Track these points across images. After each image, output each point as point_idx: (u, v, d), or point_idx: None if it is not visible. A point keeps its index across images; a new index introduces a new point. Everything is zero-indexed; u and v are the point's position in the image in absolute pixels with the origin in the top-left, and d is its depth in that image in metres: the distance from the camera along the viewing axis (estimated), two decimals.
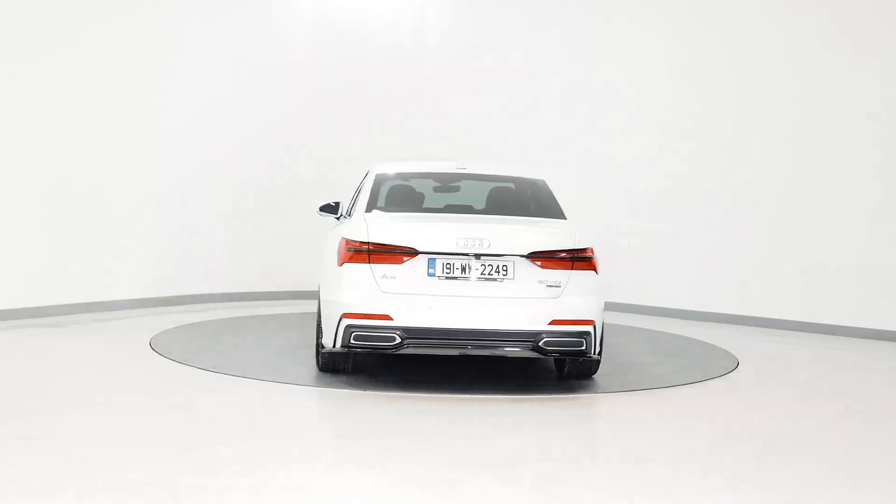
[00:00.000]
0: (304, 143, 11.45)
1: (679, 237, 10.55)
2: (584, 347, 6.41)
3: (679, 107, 10.62)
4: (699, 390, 7.00)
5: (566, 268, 6.41)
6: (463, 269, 6.36)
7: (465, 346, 6.42)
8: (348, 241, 6.45)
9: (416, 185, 7.55)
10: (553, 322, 6.33)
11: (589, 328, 6.42)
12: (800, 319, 9.89)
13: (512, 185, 7.52)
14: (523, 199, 7.34)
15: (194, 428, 5.58)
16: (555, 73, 11.33)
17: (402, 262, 6.34)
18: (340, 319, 6.35)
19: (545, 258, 6.37)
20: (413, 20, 12.10)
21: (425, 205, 7.29)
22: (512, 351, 6.45)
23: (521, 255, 6.36)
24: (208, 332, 8.78)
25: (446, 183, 7.68)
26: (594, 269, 6.53)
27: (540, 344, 6.31)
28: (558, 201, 7.21)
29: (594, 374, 7.01)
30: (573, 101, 11.23)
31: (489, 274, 6.36)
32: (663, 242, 10.66)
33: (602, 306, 6.62)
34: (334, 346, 6.41)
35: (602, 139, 11.06)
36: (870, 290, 9.52)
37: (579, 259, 6.45)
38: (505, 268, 6.36)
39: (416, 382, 6.83)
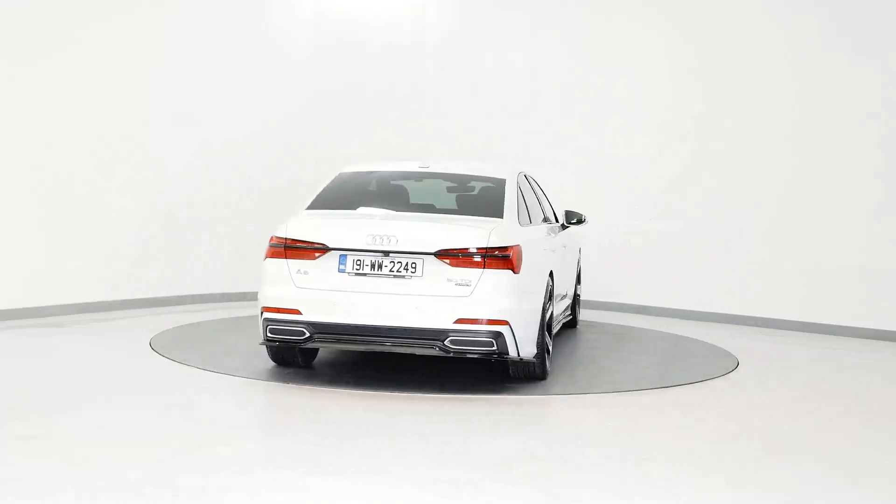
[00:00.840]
0: (304, 143, 11.45)
1: (679, 237, 10.55)
2: (494, 348, 6.27)
3: (679, 107, 10.62)
4: (699, 390, 7.00)
5: (477, 266, 6.29)
6: (372, 266, 6.39)
7: (371, 343, 6.42)
8: (271, 238, 6.62)
9: (376, 184, 7.50)
10: (459, 321, 6.23)
11: (502, 328, 6.25)
12: (800, 319, 9.89)
13: (469, 184, 7.49)
14: (472, 198, 7.30)
15: (194, 428, 5.58)
16: (555, 73, 11.33)
17: (314, 257, 6.44)
18: (261, 313, 6.54)
19: (454, 256, 6.29)
20: (413, 20, 12.10)
21: (373, 204, 7.18)
22: (420, 350, 6.37)
23: (430, 253, 6.30)
24: (208, 332, 8.78)
25: (412, 182, 7.61)
26: (511, 268, 6.33)
27: (446, 343, 6.25)
28: (513, 200, 7.01)
29: (542, 378, 6.82)
30: (573, 101, 11.22)
31: (398, 271, 6.35)
32: (663, 242, 10.66)
33: (528, 307, 6.48)
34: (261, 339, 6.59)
35: (602, 139, 11.06)
36: (870, 290, 9.52)
37: (492, 258, 6.29)
38: (414, 265, 6.33)
39: (416, 382, 6.83)
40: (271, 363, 7.27)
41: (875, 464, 5.29)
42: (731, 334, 9.58)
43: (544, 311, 6.79)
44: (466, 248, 6.31)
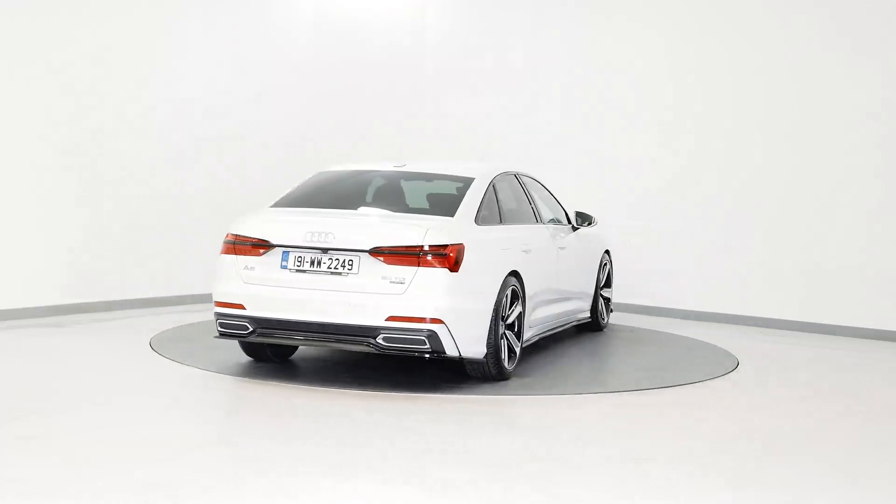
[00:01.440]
0: (305, 142, 11.45)
1: (679, 237, 10.55)
2: (427, 346, 6.26)
3: (679, 107, 10.62)
4: (699, 390, 7.00)
5: (412, 264, 6.27)
6: (312, 263, 6.46)
7: (308, 339, 6.49)
8: (226, 234, 6.77)
9: (345, 183, 7.52)
10: (390, 318, 6.24)
11: (435, 327, 6.22)
12: (800, 319, 9.88)
13: (436, 183, 7.49)
14: (436, 197, 7.30)
15: (194, 428, 5.58)
16: (555, 73, 11.33)
17: (260, 254, 6.57)
18: (215, 308, 6.71)
19: (388, 254, 6.31)
20: (413, 20, 12.10)
21: (335, 202, 7.16)
22: (353, 346, 6.42)
23: (364, 251, 6.34)
24: (208, 332, 8.76)
25: (377, 181, 7.59)
26: (449, 267, 6.29)
27: (378, 340, 6.27)
28: (474, 199, 6.97)
29: (501, 379, 6.77)
30: (573, 101, 11.22)
31: (335, 268, 6.40)
32: (663, 242, 10.65)
33: (471, 306, 6.43)
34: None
35: (602, 139, 11.06)
36: (870, 290, 9.52)
37: (427, 256, 6.28)
38: (350, 262, 6.37)
39: (415, 382, 6.83)
40: (270, 364, 7.28)
41: (875, 464, 5.29)
42: (731, 334, 9.58)
43: (499, 311, 6.65)
44: (400, 246, 6.31)
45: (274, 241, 6.55)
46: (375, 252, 6.32)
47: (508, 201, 7.68)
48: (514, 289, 6.92)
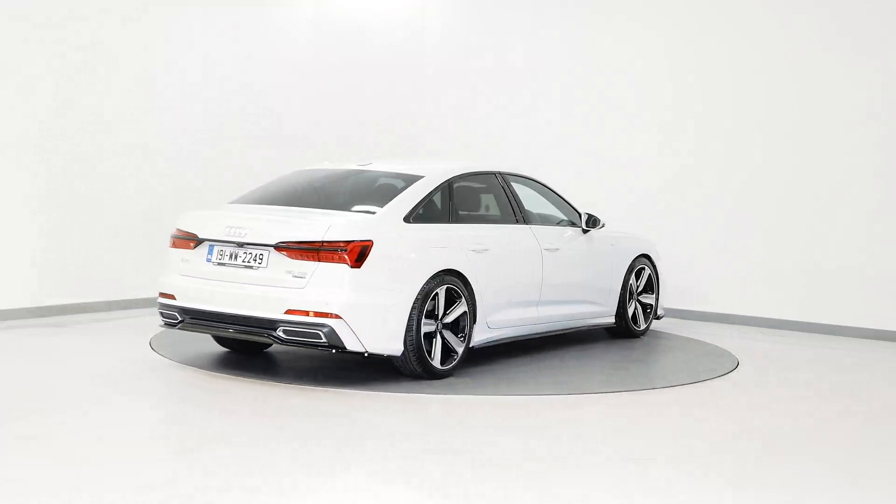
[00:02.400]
0: (305, 142, 11.45)
1: (679, 237, 10.55)
2: (323, 340, 6.35)
3: (679, 107, 10.62)
4: (699, 390, 7.00)
5: (313, 259, 6.40)
6: (231, 257, 6.72)
7: (220, 330, 6.81)
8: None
9: (305, 181, 7.63)
10: (288, 311, 6.37)
11: (332, 322, 6.30)
12: (800, 319, 9.88)
13: (383, 181, 7.53)
14: (374, 194, 7.33)
15: (194, 428, 5.58)
16: (555, 73, 11.33)
17: (191, 247, 6.92)
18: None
19: (292, 249, 6.44)
20: (413, 20, 12.10)
21: (287, 199, 7.30)
22: (258, 338, 6.65)
23: (271, 245, 6.52)
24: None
25: (332, 179, 7.67)
26: (350, 263, 6.35)
27: (277, 332, 6.43)
28: (409, 197, 7.01)
29: (433, 377, 6.78)
30: (573, 101, 11.22)
31: (248, 262, 6.63)
32: (663, 242, 10.65)
33: (378, 302, 6.46)
34: None
35: (602, 139, 11.05)
36: (870, 290, 9.52)
37: (328, 251, 6.36)
38: (261, 256, 6.58)
39: (415, 382, 6.83)
40: (271, 364, 7.29)
41: (875, 464, 5.29)
42: (731, 334, 9.58)
43: (422, 309, 6.62)
44: (302, 241, 6.44)
45: (201, 236, 6.86)
46: (280, 247, 6.47)
47: (472, 201, 7.74)
48: (451, 288, 6.88)
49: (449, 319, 6.88)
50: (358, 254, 6.39)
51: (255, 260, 6.57)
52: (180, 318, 6.90)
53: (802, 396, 7.05)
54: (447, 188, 7.32)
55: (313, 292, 6.35)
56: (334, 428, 5.62)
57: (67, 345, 8.05)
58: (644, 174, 10.80)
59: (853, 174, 9.61)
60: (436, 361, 6.80)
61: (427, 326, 6.72)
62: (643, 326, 9.20)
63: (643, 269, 9.14)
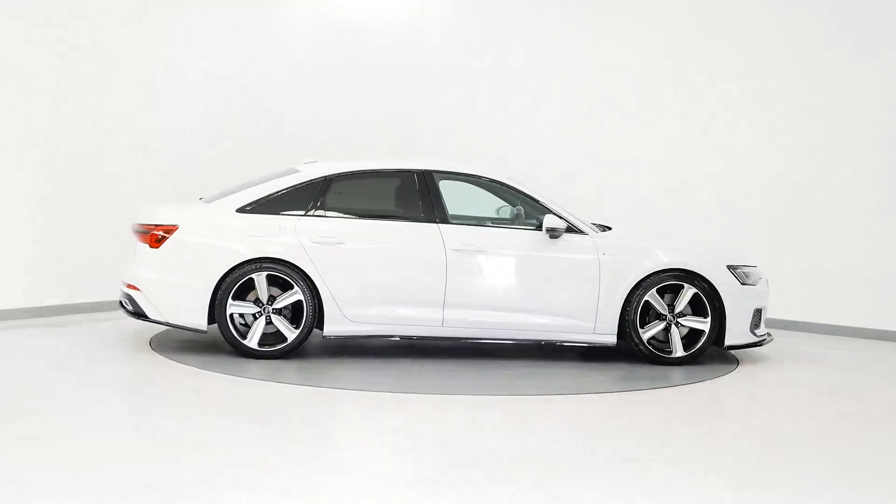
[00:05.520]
0: (304, 142, 11.44)
1: (679, 237, 10.53)
2: (130, 307, 7.60)
3: (679, 107, 10.61)
4: (699, 390, 7.00)
5: (141, 240, 7.58)
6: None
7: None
8: None
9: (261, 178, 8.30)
10: (126, 285, 7.65)
11: (132, 292, 7.53)
12: (800, 319, 9.88)
13: (281, 176, 7.98)
14: (255, 188, 7.89)
15: (194, 428, 5.58)
16: (555, 73, 11.33)
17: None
18: None
19: (136, 232, 7.68)
20: (413, 20, 12.10)
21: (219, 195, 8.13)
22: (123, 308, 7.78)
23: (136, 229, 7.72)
24: (208, 333, 8.76)
25: (266, 176, 8.22)
26: (150, 243, 7.46)
27: (123, 301, 7.75)
28: (255, 192, 7.66)
29: (241, 354, 7.39)
30: (573, 101, 11.22)
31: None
32: None
33: (177, 280, 7.38)
34: None
35: (602, 139, 11.05)
36: (870, 290, 9.52)
37: (143, 233, 7.55)
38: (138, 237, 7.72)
39: (414, 382, 6.83)
40: (270, 364, 7.29)
41: (875, 464, 5.29)
42: None
43: (225, 289, 7.31)
44: (138, 224, 7.64)
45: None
46: (135, 230, 7.69)
47: (358, 198, 7.86)
48: (279, 277, 7.38)
49: (279, 305, 7.40)
50: (158, 236, 7.45)
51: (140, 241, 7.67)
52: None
53: (802, 396, 7.05)
54: (322, 184, 7.70)
55: (133, 268, 7.63)
56: (334, 428, 5.62)
57: (67, 345, 8.05)
58: (644, 174, 10.80)
59: (853, 174, 9.61)
60: (250, 342, 7.38)
61: (240, 308, 7.37)
62: (678, 353, 7.68)
63: (683, 287, 7.66)
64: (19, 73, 8.96)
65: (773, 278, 10.04)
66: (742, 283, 7.82)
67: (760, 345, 7.99)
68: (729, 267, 7.85)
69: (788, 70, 9.96)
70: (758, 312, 7.94)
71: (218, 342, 7.77)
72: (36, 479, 4.49)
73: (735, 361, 8.03)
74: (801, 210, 9.90)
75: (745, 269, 7.95)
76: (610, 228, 8.25)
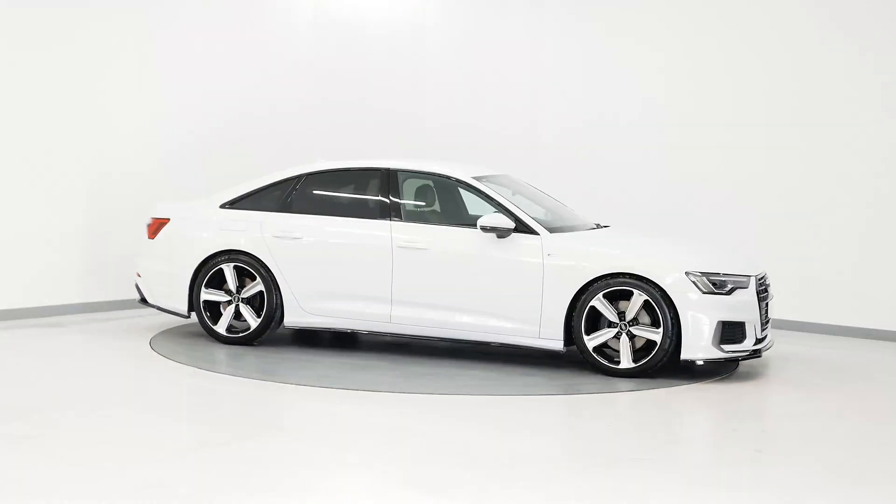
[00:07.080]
0: (304, 143, 11.44)
1: (677, 237, 10.52)
2: (138, 294, 8.40)
3: (678, 107, 10.61)
4: (699, 390, 7.00)
5: (146, 232, 8.37)
6: None
7: None
8: None
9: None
10: (136, 273, 8.47)
11: (137, 280, 8.37)
12: (799, 319, 9.88)
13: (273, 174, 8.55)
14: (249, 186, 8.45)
15: (194, 428, 5.59)
16: (555, 72, 11.33)
17: None
18: None
19: (146, 225, 8.43)
20: (413, 20, 12.09)
21: None
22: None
23: None
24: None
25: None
26: (148, 234, 8.28)
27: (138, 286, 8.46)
28: (241, 188, 8.21)
29: (214, 338, 7.92)
30: (573, 101, 11.22)
31: None
32: None
33: (164, 269, 8.10)
34: None
35: (602, 139, 11.05)
36: (869, 290, 9.51)
37: (147, 225, 8.35)
38: None
39: (414, 383, 6.83)
40: (270, 363, 7.29)
41: (875, 464, 5.29)
42: None
43: (197, 279, 7.89)
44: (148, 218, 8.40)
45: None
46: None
47: (327, 196, 8.01)
48: (242, 267, 7.81)
49: (245, 295, 7.82)
50: (154, 229, 8.23)
51: None
52: None
53: (802, 396, 7.04)
54: (294, 182, 8.07)
55: (139, 257, 8.37)
56: (333, 428, 5.63)
57: (67, 345, 8.06)
58: (644, 174, 10.79)
59: (853, 174, 9.61)
60: (219, 328, 7.86)
61: (212, 296, 7.87)
62: (625, 364, 7.01)
63: (633, 293, 6.98)
64: (18, 73, 8.96)
65: (772, 278, 10.02)
66: (705, 292, 6.97)
67: (735, 361, 7.32)
68: (689, 273, 7.00)
69: (788, 70, 9.95)
70: (730, 326, 7.04)
71: (218, 342, 7.78)
72: (36, 479, 4.49)
73: (735, 361, 8.02)
74: (801, 209, 9.88)
75: (719, 278, 7.07)
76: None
